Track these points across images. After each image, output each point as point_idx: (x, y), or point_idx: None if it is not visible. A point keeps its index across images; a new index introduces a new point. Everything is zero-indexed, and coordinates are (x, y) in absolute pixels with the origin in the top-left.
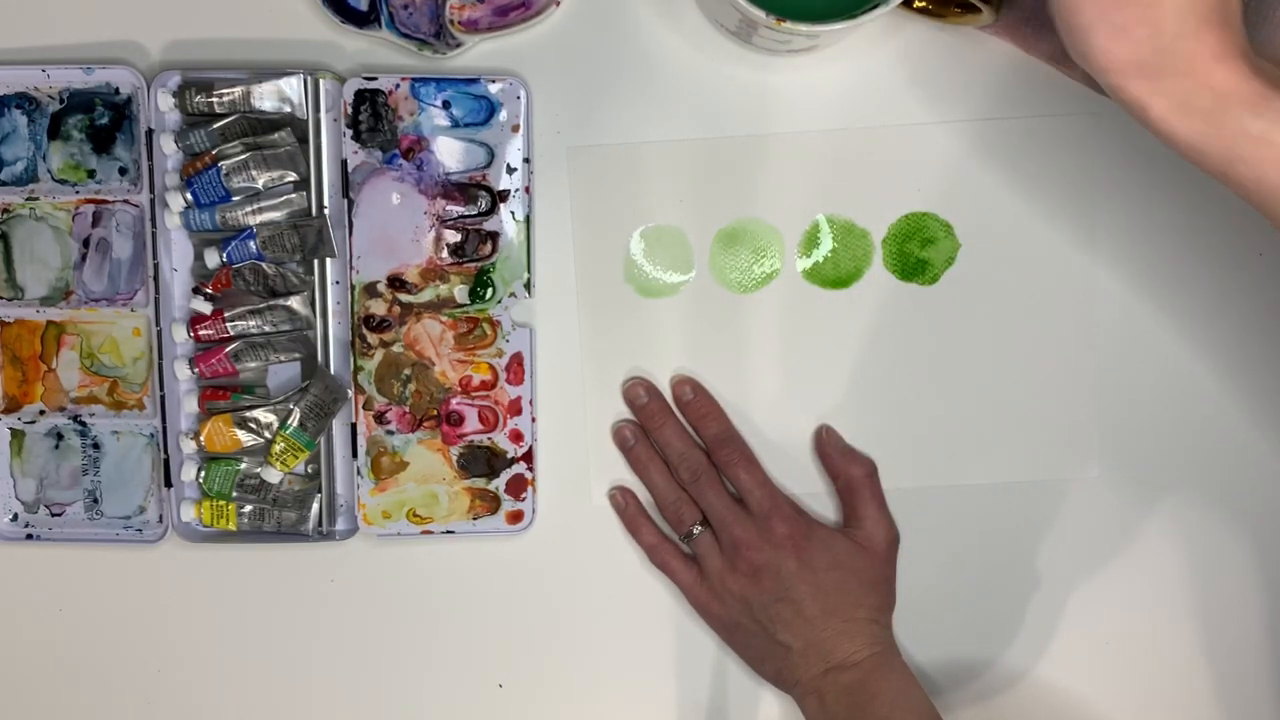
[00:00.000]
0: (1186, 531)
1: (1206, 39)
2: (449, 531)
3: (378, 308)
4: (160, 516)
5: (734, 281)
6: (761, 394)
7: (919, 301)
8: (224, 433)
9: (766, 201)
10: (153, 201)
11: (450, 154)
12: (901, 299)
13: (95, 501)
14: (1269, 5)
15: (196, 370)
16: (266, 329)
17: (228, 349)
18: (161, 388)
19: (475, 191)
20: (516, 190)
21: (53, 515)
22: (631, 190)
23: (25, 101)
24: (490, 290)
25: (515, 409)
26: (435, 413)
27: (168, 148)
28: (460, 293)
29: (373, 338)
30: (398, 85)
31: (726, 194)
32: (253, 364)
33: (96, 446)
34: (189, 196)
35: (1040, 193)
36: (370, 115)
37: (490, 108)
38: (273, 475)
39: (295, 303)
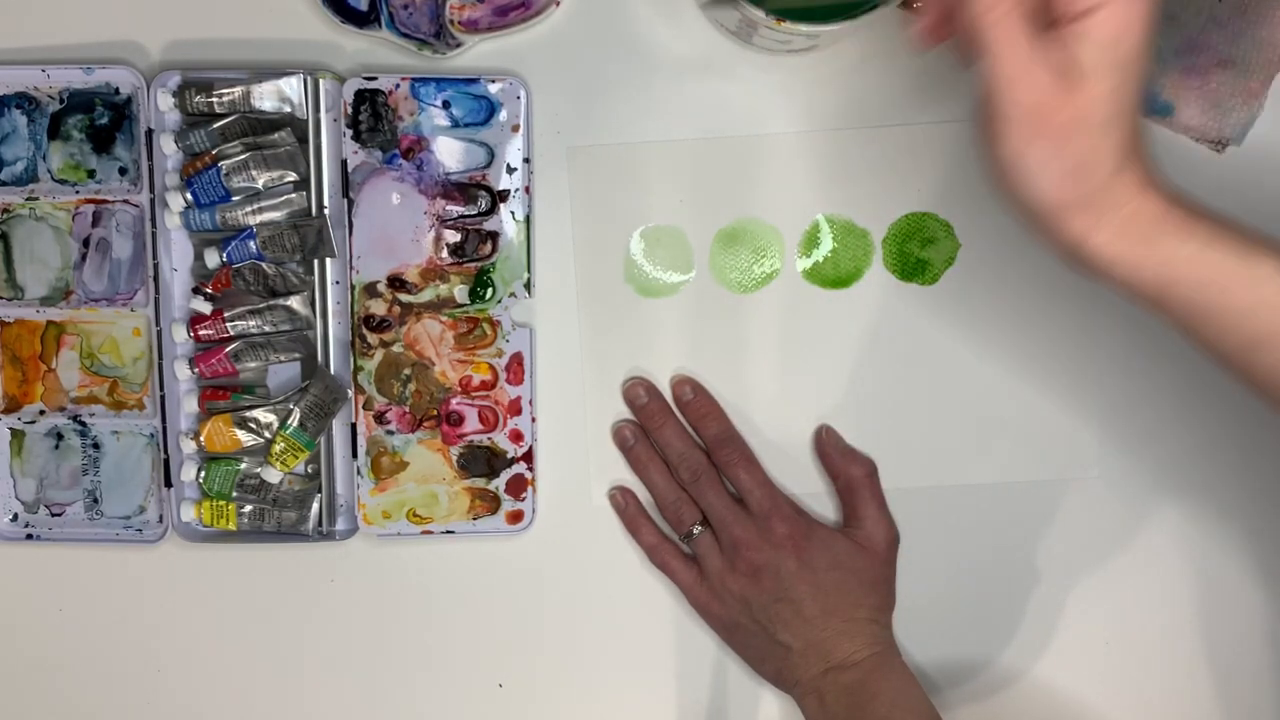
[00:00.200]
0: (1186, 531)
1: (1135, 171)
2: (449, 531)
3: (378, 308)
4: (160, 516)
5: (734, 281)
6: (761, 394)
7: (919, 301)
8: (224, 433)
9: (766, 201)
10: (153, 201)
11: (450, 154)
12: (901, 299)
13: (95, 501)
14: (1269, 5)
15: (196, 370)
16: (266, 329)
17: (228, 349)
18: (161, 388)
19: (475, 191)
20: (516, 190)
21: (53, 515)
22: (631, 190)
23: (25, 101)
24: (490, 290)
25: (515, 409)
26: (435, 413)
27: (168, 148)
28: (460, 293)
29: (373, 338)
30: (398, 85)
31: (726, 194)
32: (253, 364)
33: (96, 446)
34: (189, 196)
35: None
36: (370, 115)
37: (490, 108)
38: (273, 475)
39: (295, 303)
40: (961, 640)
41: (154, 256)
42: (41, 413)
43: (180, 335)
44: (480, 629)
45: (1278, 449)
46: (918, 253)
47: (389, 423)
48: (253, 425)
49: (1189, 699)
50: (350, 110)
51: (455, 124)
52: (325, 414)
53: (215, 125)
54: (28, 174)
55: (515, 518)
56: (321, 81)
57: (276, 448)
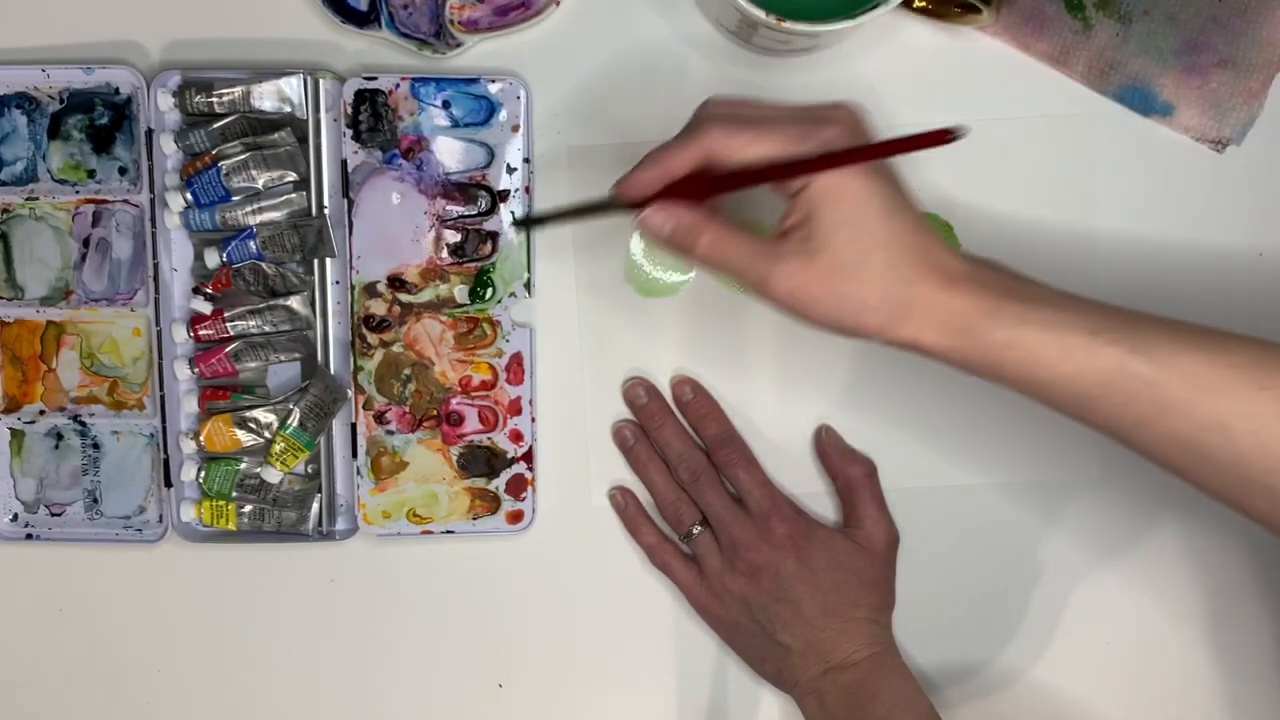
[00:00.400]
0: (1186, 531)
1: (931, 278)
2: (449, 531)
3: (378, 308)
4: (160, 516)
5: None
6: (761, 394)
7: None
8: (224, 433)
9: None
10: (153, 201)
11: (450, 154)
12: None
13: (95, 501)
14: (1269, 5)
15: (196, 370)
16: (266, 329)
17: (228, 349)
18: (161, 388)
19: (475, 191)
20: (516, 190)
21: (53, 515)
22: None
23: (25, 101)
24: (490, 290)
25: (515, 409)
26: (435, 413)
27: (168, 148)
28: (460, 293)
29: (373, 338)
30: (398, 85)
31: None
32: (253, 364)
33: (96, 446)
34: (189, 196)
35: (1040, 193)
36: (370, 115)
37: (490, 108)
38: (273, 475)
39: (295, 303)
40: (961, 640)
41: (154, 256)
42: (41, 413)
43: (180, 335)
44: (480, 629)
45: None
46: None
47: (389, 423)
48: (253, 425)
49: (1189, 699)
50: (350, 110)
51: (455, 124)
52: (325, 414)
53: (215, 125)
54: (28, 174)
55: (515, 518)
56: (321, 81)
57: (276, 448)
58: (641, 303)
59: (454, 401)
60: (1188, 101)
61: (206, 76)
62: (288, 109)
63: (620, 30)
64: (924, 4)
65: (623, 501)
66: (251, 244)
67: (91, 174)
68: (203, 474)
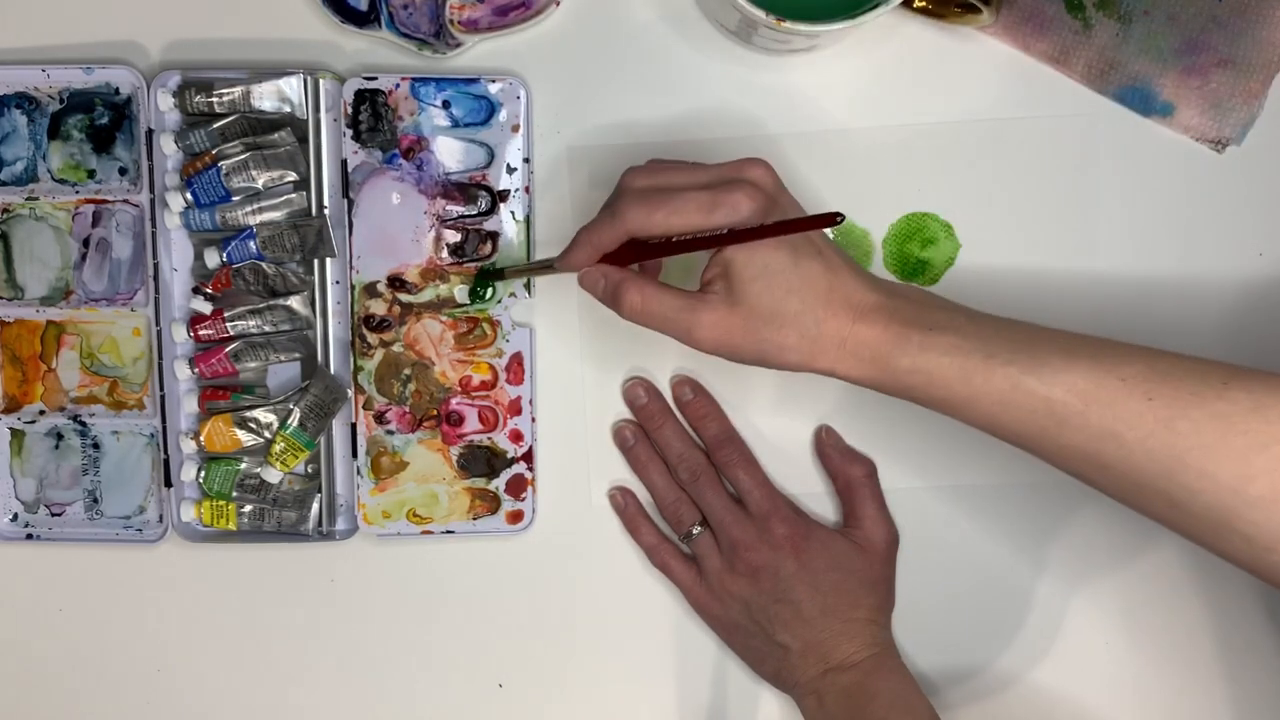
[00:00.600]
0: None
1: (838, 316)
2: (449, 531)
3: (378, 308)
4: (160, 516)
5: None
6: (761, 394)
7: None
8: (224, 433)
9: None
10: (153, 201)
11: (450, 154)
12: None
13: (95, 501)
14: (1269, 5)
15: (196, 370)
16: (266, 329)
17: (228, 349)
18: (161, 388)
19: (475, 191)
20: (516, 190)
21: (53, 515)
22: None
23: (25, 101)
24: (490, 290)
25: (515, 409)
26: (435, 413)
27: (168, 148)
28: (460, 293)
29: (373, 338)
30: (398, 85)
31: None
32: (253, 364)
33: (96, 446)
34: (189, 196)
35: (1040, 193)
36: (370, 115)
37: (490, 108)
38: (273, 475)
39: (295, 303)
40: (960, 641)
41: (154, 256)
42: (41, 413)
43: (180, 335)
44: (480, 629)
45: None
46: (918, 253)
47: (389, 423)
48: (253, 425)
49: (1189, 700)
50: (350, 110)
51: (455, 124)
52: (325, 414)
53: (215, 125)
54: (28, 174)
55: (515, 518)
56: (321, 81)
57: (276, 448)
58: None
59: (454, 401)
60: (1188, 101)
61: (206, 76)
62: (288, 109)
63: (620, 30)
64: (924, 4)
65: (623, 501)
66: (251, 244)
67: (91, 174)
68: (203, 474)
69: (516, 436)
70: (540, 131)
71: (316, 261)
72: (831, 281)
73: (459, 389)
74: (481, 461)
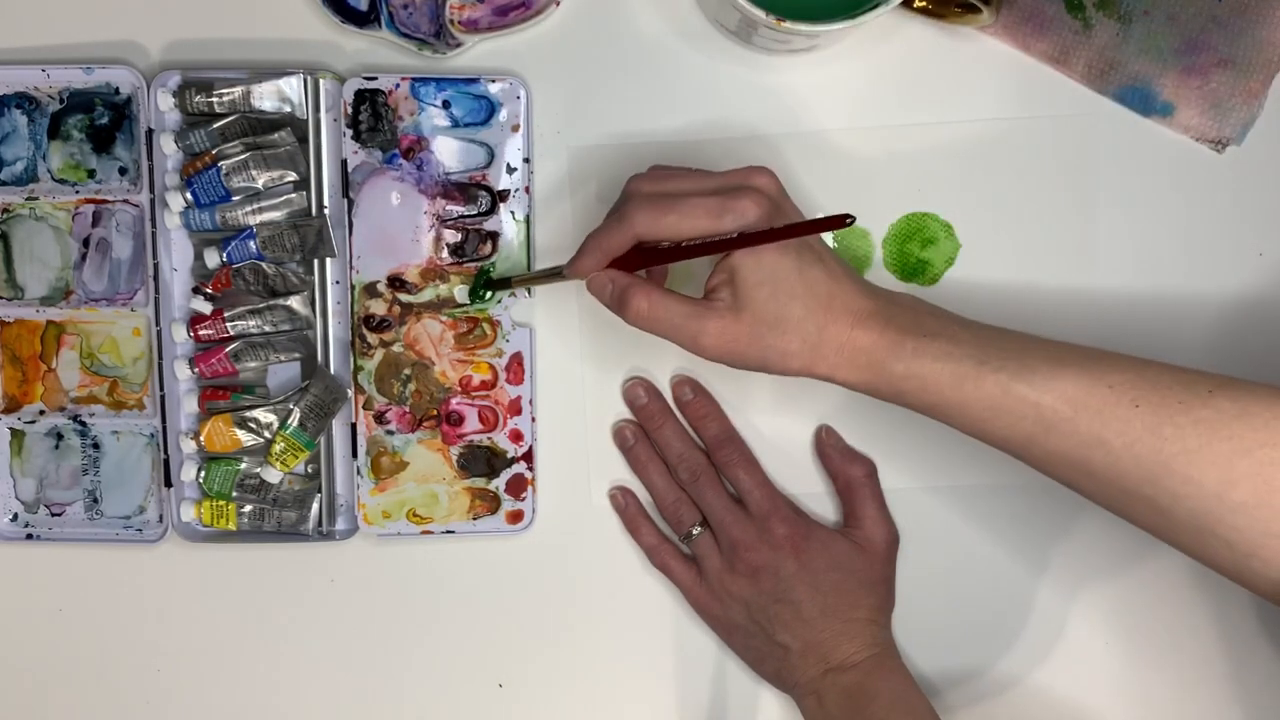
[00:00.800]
0: None
1: (839, 322)
2: (449, 531)
3: (378, 308)
4: (160, 516)
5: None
6: (761, 394)
7: None
8: (224, 433)
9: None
10: (153, 201)
11: (450, 154)
12: None
13: (95, 501)
14: (1269, 5)
15: (196, 370)
16: (266, 329)
17: (228, 349)
18: (161, 388)
19: (475, 191)
20: (516, 190)
21: (53, 515)
22: None
23: (25, 101)
24: (490, 290)
25: (515, 409)
26: (435, 413)
27: (168, 148)
28: (460, 293)
29: (373, 338)
30: (398, 85)
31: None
32: (253, 364)
33: (96, 446)
34: (189, 196)
35: (1040, 193)
36: (370, 115)
37: (490, 108)
38: (273, 475)
39: (295, 303)
40: (961, 641)
41: (154, 256)
42: (41, 413)
43: (180, 335)
44: (480, 629)
45: None
46: (918, 253)
47: (389, 423)
48: (253, 425)
49: (1189, 700)
50: (350, 110)
51: (455, 124)
52: (325, 414)
53: (215, 125)
54: (28, 174)
55: (515, 518)
56: (321, 81)
57: (276, 448)
58: None
59: (454, 401)
60: (1188, 101)
61: (206, 76)
62: (288, 109)
63: (620, 30)
64: (924, 4)
65: (623, 501)
66: (251, 244)
67: (91, 174)
68: (203, 474)
69: (516, 436)
70: (540, 131)
71: (316, 261)
72: (832, 288)
73: (459, 389)
74: (481, 461)
